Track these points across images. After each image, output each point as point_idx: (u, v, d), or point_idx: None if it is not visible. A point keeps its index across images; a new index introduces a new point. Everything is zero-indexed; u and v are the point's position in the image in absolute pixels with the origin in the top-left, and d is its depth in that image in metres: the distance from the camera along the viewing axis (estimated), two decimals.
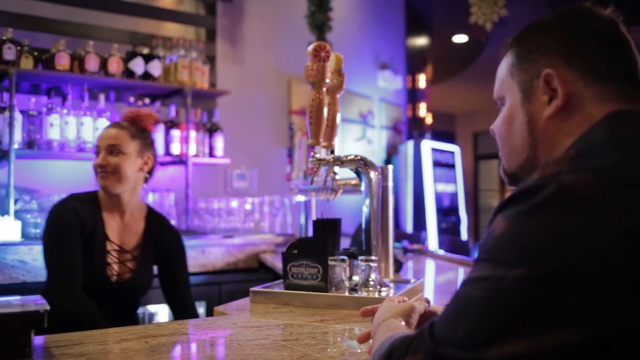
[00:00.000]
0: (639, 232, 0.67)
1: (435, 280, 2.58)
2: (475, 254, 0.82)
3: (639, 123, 0.86)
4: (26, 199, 3.60)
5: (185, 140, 4.11)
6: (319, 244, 1.74)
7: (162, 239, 2.32)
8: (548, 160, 0.80)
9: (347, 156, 1.92)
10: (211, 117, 4.41)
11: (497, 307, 0.70)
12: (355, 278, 1.76)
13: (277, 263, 3.21)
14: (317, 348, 1.21)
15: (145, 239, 2.27)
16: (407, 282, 1.91)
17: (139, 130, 2.24)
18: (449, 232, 6.46)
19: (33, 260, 3.05)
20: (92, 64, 3.84)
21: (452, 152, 7.16)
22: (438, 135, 7.26)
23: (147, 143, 2.26)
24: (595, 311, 0.66)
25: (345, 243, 2.43)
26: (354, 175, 1.97)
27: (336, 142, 2.01)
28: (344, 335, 1.37)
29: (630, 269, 0.66)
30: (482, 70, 7.32)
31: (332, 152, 1.97)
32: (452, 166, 7.08)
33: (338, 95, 2.02)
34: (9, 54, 3.59)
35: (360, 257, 1.72)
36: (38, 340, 1.23)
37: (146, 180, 2.30)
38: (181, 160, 4.12)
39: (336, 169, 1.96)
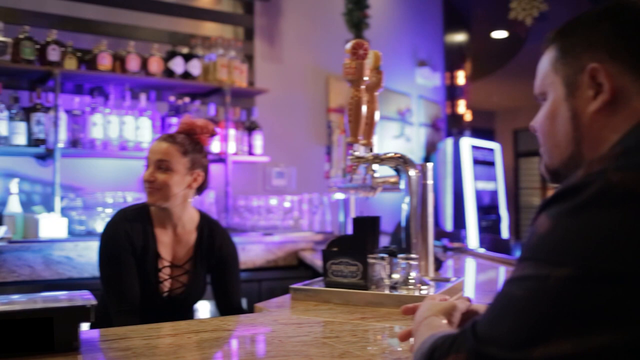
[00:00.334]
0: None
1: (475, 279, 2.56)
2: (518, 253, 0.81)
3: None
4: (71, 197, 3.69)
5: (224, 138, 4.16)
6: (359, 241, 1.75)
7: (213, 246, 2.25)
8: (593, 158, 0.79)
9: (386, 154, 1.91)
10: (250, 116, 4.44)
11: (541, 307, 0.69)
12: (395, 276, 1.75)
13: (316, 261, 3.23)
14: (358, 346, 1.21)
15: (196, 250, 2.22)
16: (448, 280, 1.90)
17: (192, 145, 2.16)
18: (489, 230, 6.39)
19: (78, 257, 3.12)
20: (133, 64, 3.91)
21: (492, 150, 7.07)
22: (477, 133, 7.18)
23: (199, 159, 2.17)
24: None
25: (384, 241, 2.42)
26: (392, 172, 1.96)
27: (375, 139, 2.00)
28: (384, 333, 1.37)
29: None
30: (522, 66, 7.20)
31: (371, 149, 1.97)
32: (492, 164, 7.00)
33: (376, 93, 2.01)
34: (54, 55, 3.68)
35: (400, 255, 1.72)
36: (85, 334, 1.26)
37: (195, 194, 2.22)
38: (221, 159, 4.17)
39: (375, 166, 1.96)
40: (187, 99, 4.12)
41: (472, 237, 6.01)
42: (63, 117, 3.66)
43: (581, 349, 0.65)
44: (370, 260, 1.69)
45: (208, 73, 4.22)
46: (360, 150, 1.91)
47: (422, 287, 1.68)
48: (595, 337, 0.65)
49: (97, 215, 3.59)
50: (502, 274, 2.60)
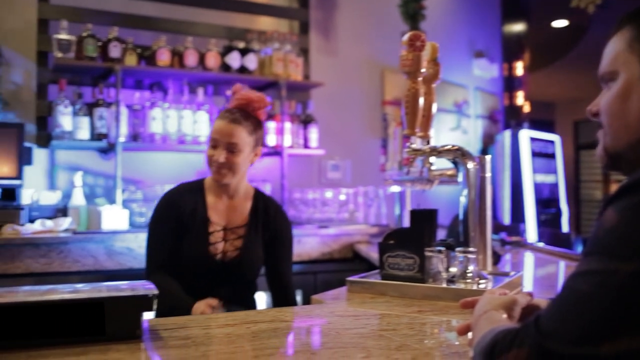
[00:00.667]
0: None
1: (534, 274, 2.51)
2: (580, 247, 0.79)
3: None
4: (132, 189, 3.78)
5: (280, 131, 4.19)
6: (416, 234, 1.73)
7: (268, 217, 2.31)
8: None
9: (444, 146, 1.89)
10: (305, 109, 4.46)
11: (608, 302, 0.67)
12: (453, 270, 1.74)
13: (372, 253, 3.22)
14: (415, 339, 1.21)
15: (251, 218, 2.28)
16: (506, 275, 1.87)
17: (256, 123, 2.23)
18: (548, 224, 6.24)
19: (139, 248, 3.21)
20: (191, 59, 3.98)
21: (552, 142, 6.89)
22: (536, 125, 7.01)
23: (260, 135, 2.27)
24: None
25: (440, 234, 2.40)
26: (449, 165, 1.94)
27: (431, 132, 1.98)
28: (441, 326, 1.35)
29: None
30: (584, 56, 6.99)
31: (428, 142, 1.95)
32: (551, 156, 6.82)
33: (434, 85, 1.99)
34: (115, 51, 3.78)
35: (457, 249, 1.70)
36: (146, 323, 1.29)
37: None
38: (276, 152, 4.20)
39: (432, 159, 1.94)
40: None
41: (531, 230, 5.88)
42: (124, 112, 3.76)
43: None
44: (428, 254, 1.68)
45: (264, 67, 4.25)
46: (417, 143, 1.89)
47: (480, 281, 1.66)
48: None
49: None
50: (562, 268, 2.55)
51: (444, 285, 1.66)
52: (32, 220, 3.38)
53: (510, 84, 6.55)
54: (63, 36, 3.66)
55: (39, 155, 3.82)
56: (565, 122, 10.30)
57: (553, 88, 9.34)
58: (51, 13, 3.93)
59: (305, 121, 4.38)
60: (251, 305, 2.35)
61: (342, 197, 4.09)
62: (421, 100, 1.85)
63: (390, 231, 1.83)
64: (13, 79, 3.85)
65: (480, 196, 1.90)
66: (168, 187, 3.71)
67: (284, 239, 2.36)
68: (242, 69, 4.13)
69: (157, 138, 3.83)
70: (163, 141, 3.85)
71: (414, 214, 1.78)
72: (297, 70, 4.32)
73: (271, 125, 4.18)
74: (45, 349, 1.10)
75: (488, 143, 6.25)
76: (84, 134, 3.68)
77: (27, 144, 3.65)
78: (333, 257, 3.71)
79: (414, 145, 1.89)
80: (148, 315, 1.24)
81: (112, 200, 3.68)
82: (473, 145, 6.06)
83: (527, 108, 6.56)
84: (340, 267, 3.65)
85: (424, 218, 1.77)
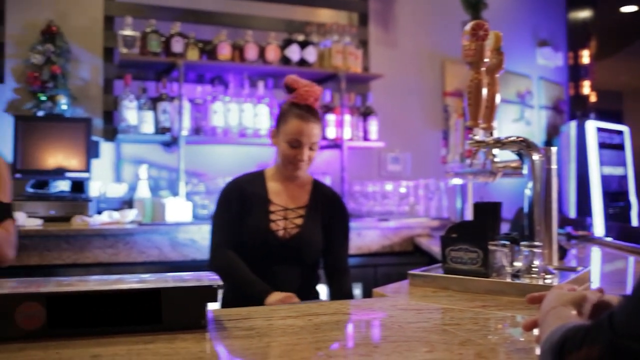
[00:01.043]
0: None
1: (602, 269, 2.43)
2: None
3: None
4: (194, 182, 3.86)
5: (340, 124, 4.19)
6: (479, 228, 1.70)
7: (327, 205, 2.41)
8: None
9: (508, 137, 1.85)
10: (365, 101, 4.44)
11: None
12: (517, 264, 1.70)
13: (433, 247, 3.19)
14: (480, 334, 1.18)
15: (311, 201, 2.39)
16: (573, 270, 1.81)
17: (319, 118, 2.37)
18: (617, 218, 6.03)
19: (202, 239, 3.27)
20: (251, 52, 4.02)
21: (621, 132, 6.65)
22: (604, 115, 6.77)
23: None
24: None
25: (504, 228, 2.35)
26: (512, 157, 1.89)
27: (494, 123, 1.94)
28: (505, 322, 1.33)
29: None
30: None
31: (491, 133, 1.91)
32: (620, 147, 6.58)
33: (497, 75, 1.95)
34: (177, 46, 3.85)
35: (522, 243, 1.66)
36: (210, 313, 1.31)
37: None
38: (336, 144, 4.20)
39: (495, 151, 1.90)
40: None
41: (598, 224, 5.70)
42: (186, 106, 3.83)
43: None
44: (491, 247, 1.65)
45: (323, 59, 4.26)
46: (479, 135, 1.86)
47: (546, 276, 1.61)
48: None
49: None
50: (631, 264, 2.46)
51: (508, 280, 1.63)
52: (99, 212, 3.50)
53: (575, 73, 6.35)
54: (128, 32, 3.75)
55: (106, 148, 3.94)
56: (634, 111, 9.92)
57: (621, 76, 9.01)
58: (116, 10, 4.04)
59: (365, 113, 4.36)
60: (313, 295, 2.37)
61: (403, 190, 4.06)
62: (484, 91, 1.81)
63: (452, 224, 1.80)
64: (81, 75, 3.98)
65: (546, 189, 1.85)
66: (230, 180, 3.82)
67: (341, 224, 2.43)
68: (302, 62, 4.14)
69: (218, 131, 3.89)
70: (224, 134, 3.91)
71: (478, 206, 1.75)
72: (356, 62, 4.31)
73: (331, 118, 4.19)
74: (113, 336, 1.13)
75: (552, 134, 6.08)
76: (148, 127, 3.77)
77: (94, 138, 3.77)
78: (393, 250, 3.69)
79: (476, 137, 1.85)
80: (212, 306, 1.26)
81: (175, 193, 3.76)
82: (537, 136, 5.91)
83: (593, 98, 6.35)
84: (400, 260, 3.63)
85: (488, 211, 1.74)
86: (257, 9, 4.44)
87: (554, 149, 1.93)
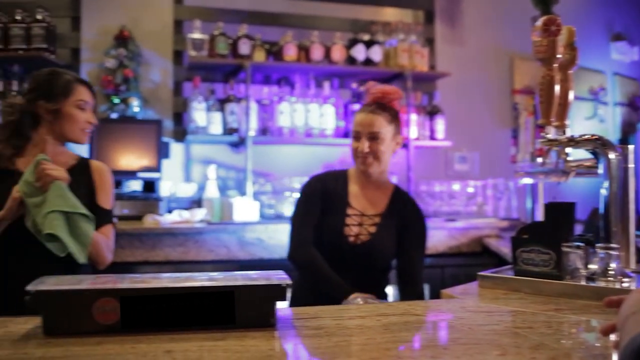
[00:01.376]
0: None
1: None
2: None
3: None
4: (261, 182, 3.91)
5: (406, 123, 4.16)
6: (552, 228, 1.65)
7: (404, 209, 2.38)
8: None
9: (582, 136, 1.79)
10: (431, 100, 4.39)
11: None
12: (592, 267, 1.64)
13: (502, 248, 3.13)
14: (553, 338, 1.15)
15: (388, 209, 2.36)
16: None
17: (393, 114, 2.33)
18: None
19: (269, 239, 3.31)
20: (317, 53, 4.04)
21: None
22: None
23: (399, 125, 2.36)
24: None
25: (577, 229, 2.28)
26: (586, 156, 1.83)
27: (567, 121, 1.88)
28: (580, 326, 1.29)
29: None
30: None
31: (564, 132, 1.85)
32: None
33: (570, 71, 1.89)
34: (244, 48, 3.91)
35: (597, 245, 1.60)
36: (279, 312, 1.33)
37: None
38: (402, 144, 4.17)
39: (568, 149, 1.84)
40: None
41: None
42: (253, 107, 3.88)
43: None
44: (565, 249, 1.60)
45: (389, 58, 4.23)
46: (552, 133, 1.81)
47: (624, 279, 1.55)
48: None
49: (285, 200, 3.77)
50: None
51: (583, 282, 1.58)
52: (170, 211, 3.59)
53: None
54: (197, 35, 3.84)
55: (176, 149, 4.04)
56: None
57: None
58: (185, 14, 4.13)
59: (432, 112, 4.31)
60: (382, 297, 2.36)
61: (470, 190, 4.00)
62: (557, 88, 1.76)
63: (523, 225, 1.76)
64: (152, 77, 4.09)
65: (623, 189, 1.78)
66: (296, 180, 3.85)
67: (416, 232, 2.39)
68: (367, 61, 4.14)
69: (285, 132, 3.93)
70: (291, 134, 3.95)
71: (550, 207, 1.70)
72: (422, 60, 4.27)
73: None
74: (185, 332, 1.16)
75: (628, 132, 5.85)
76: (216, 128, 3.84)
77: (165, 139, 3.87)
78: (461, 250, 3.64)
79: (549, 135, 1.80)
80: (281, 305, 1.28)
81: (242, 193, 3.82)
82: (611, 134, 5.70)
83: None
84: (468, 261, 3.58)
85: (561, 211, 1.69)
86: (322, 10, 4.46)
87: (631, 147, 1.86)
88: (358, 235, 2.30)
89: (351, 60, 4.13)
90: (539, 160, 1.88)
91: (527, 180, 2.15)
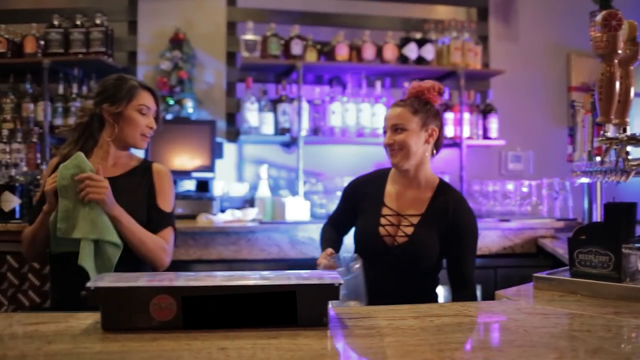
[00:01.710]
0: None
1: None
2: None
3: None
4: (312, 182, 3.92)
5: (459, 122, 4.11)
6: (611, 230, 1.61)
7: (447, 212, 2.24)
8: None
9: None
10: (485, 98, 4.33)
11: None
12: None
13: (557, 249, 3.05)
14: (613, 342, 1.12)
15: (428, 209, 2.25)
16: None
17: (422, 104, 2.25)
18: None
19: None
20: (368, 52, 4.03)
21: None
22: None
23: (431, 115, 2.25)
24: None
25: (638, 231, 2.21)
26: None
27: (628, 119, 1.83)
28: None
29: None
30: None
31: (625, 130, 1.80)
32: None
33: (632, 67, 1.83)
34: (296, 49, 3.93)
35: None
36: (331, 311, 1.33)
37: (433, 153, 2.30)
38: (455, 143, 4.13)
39: (628, 148, 1.79)
40: None
41: None
42: (305, 107, 3.90)
43: None
44: (625, 251, 1.55)
45: (441, 57, 4.19)
46: (611, 131, 1.76)
47: None
48: None
49: (336, 199, 3.77)
50: None
51: None
52: (222, 210, 3.64)
53: None
54: (249, 37, 3.88)
55: (229, 149, 4.10)
56: None
57: None
58: (238, 15, 4.19)
59: (485, 111, 4.25)
60: (429, 299, 2.31)
61: (524, 190, 3.92)
62: (617, 85, 1.71)
63: (581, 226, 1.72)
64: (205, 79, 4.16)
65: None
66: (347, 180, 3.85)
67: (463, 233, 2.25)
68: (420, 60, 4.10)
69: (336, 131, 3.93)
70: (342, 134, 3.95)
71: (610, 207, 1.66)
72: (475, 58, 4.21)
73: (449, 116, 4.12)
74: (239, 330, 1.17)
75: None
76: (268, 128, 3.87)
77: (218, 139, 3.93)
78: (514, 251, 3.57)
79: (608, 134, 1.75)
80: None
81: (294, 192, 3.84)
82: None
83: None
84: (522, 262, 3.51)
85: (621, 212, 1.64)
86: (374, 9, 4.44)
87: None
88: (394, 236, 2.22)
89: (403, 59, 4.10)
90: (597, 159, 1.83)
91: (585, 180, 2.09)
